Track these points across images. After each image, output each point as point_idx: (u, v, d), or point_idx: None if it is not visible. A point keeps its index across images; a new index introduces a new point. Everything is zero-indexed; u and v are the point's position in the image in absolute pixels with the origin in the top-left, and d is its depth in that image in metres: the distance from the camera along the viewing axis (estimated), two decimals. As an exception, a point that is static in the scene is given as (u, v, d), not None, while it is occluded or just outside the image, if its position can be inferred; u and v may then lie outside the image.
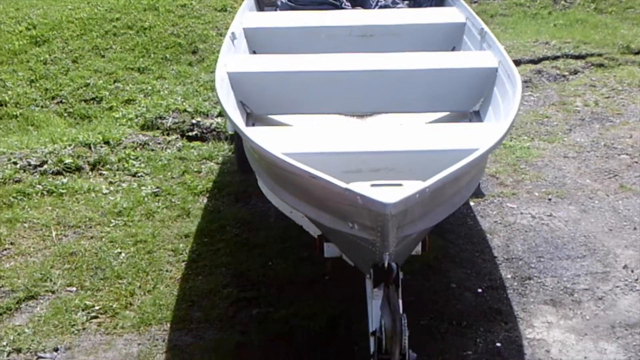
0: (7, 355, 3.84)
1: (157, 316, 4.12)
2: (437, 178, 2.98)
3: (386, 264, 2.97)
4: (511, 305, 4.16)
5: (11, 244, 4.90)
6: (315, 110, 4.96)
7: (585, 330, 3.95)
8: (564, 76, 7.86)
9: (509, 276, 4.43)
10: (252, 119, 4.86)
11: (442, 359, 3.74)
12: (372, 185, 2.93)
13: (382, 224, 2.86)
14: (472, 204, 5.29)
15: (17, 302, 4.28)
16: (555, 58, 8.25)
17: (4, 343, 3.93)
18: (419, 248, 3.91)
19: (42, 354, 3.85)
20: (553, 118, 6.85)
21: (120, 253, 4.75)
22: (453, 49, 5.74)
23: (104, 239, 4.91)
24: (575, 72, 7.93)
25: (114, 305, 4.22)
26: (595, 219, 5.04)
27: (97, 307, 4.22)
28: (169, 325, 4.06)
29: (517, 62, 8.09)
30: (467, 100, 4.93)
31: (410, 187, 2.89)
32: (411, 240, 3.19)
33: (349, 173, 3.60)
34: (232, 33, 5.28)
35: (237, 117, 3.92)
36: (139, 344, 3.92)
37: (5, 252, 4.82)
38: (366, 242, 3.03)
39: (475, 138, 3.77)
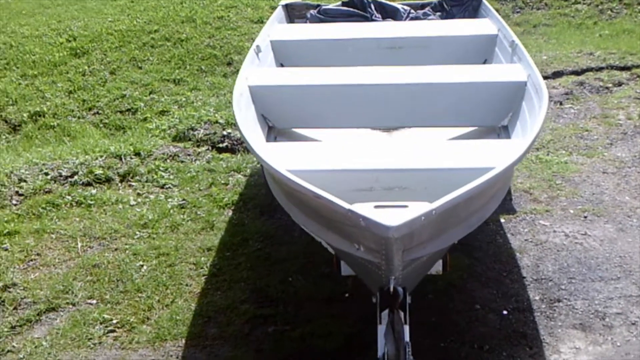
0: (23, 368, 3.84)
1: (173, 331, 4.06)
2: (446, 199, 2.85)
3: (391, 288, 2.84)
4: (537, 328, 3.97)
5: (37, 254, 4.93)
6: (340, 124, 4.85)
7: (615, 357, 3.74)
8: (607, 88, 7.57)
9: (537, 298, 4.24)
10: (275, 132, 4.79)
11: (460, 385, 3.58)
12: (376, 206, 2.82)
13: (385, 247, 2.74)
14: (502, 220, 5.11)
15: (38, 314, 4.28)
16: (599, 69, 7.96)
17: (21, 356, 3.92)
18: (439, 268, 3.77)
19: (56, 368, 3.83)
20: (593, 132, 6.59)
21: (143, 266, 4.72)
22: (485, 62, 5.57)
23: (127, 251, 4.89)
24: (620, 84, 7.63)
25: (132, 320, 4.18)
26: (633, 239, 4.80)
27: (114, 321, 4.18)
28: (184, 341, 4.00)
29: (559, 74, 7.88)
30: (496, 114, 4.76)
31: (416, 209, 2.76)
32: (422, 262, 3.06)
33: (360, 191, 3.49)
34: (257, 46, 5.22)
35: (249, 133, 3.84)
36: (152, 360, 3.87)
37: (31, 263, 4.84)
38: (372, 264, 2.92)
39: (495, 155, 3.61)
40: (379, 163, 3.56)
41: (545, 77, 7.42)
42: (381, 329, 2.96)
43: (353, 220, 2.78)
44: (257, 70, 5.02)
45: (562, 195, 5.42)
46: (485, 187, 3.10)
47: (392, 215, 2.71)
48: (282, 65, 5.66)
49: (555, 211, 5.20)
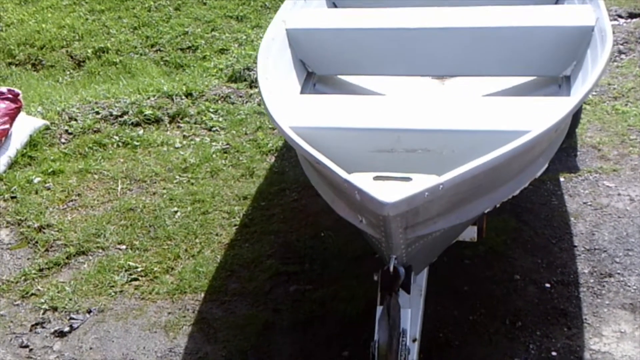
0: (43, 313, 3.76)
1: (194, 284, 3.87)
2: (458, 172, 2.44)
3: (391, 268, 2.49)
4: (581, 306, 3.53)
5: (78, 195, 4.83)
6: (385, 71, 4.42)
7: (665, 345, 3.27)
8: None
9: (586, 271, 3.77)
10: (314, 79, 4.41)
11: (483, 365, 3.22)
12: (376, 177, 2.45)
13: (384, 224, 2.38)
14: (561, 179, 4.59)
15: (67, 258, 4.19)
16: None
17: (43, 300, 3.84)
18: (473, 234, 3.39)
19: (75, 315, 3.72)
20: (682, 81, 5.83)
21: (177, 212, 4.54)
22: (556, 2, 4.94)
23: (164, 196, 4.72)
24: None
25: (156, 269, 4.02)
26: None
27: (139, 269, 4.04)
28: (203, 295, 3.80)
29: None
30: (558, 63, 4.20)
31: (420, 183, 2.38)
32: (434, 239, 2.68)
33: (381, 152, 3.11)
34: None
35: (266, 85, 3.48)
36: (169, 313, 3.70)
37: (70, 204, 4.75)
38: (375, 239, 2.57)
39: (538, 115, 3.13)
40: (402, 121, 3.15)
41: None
42: (380, 310, 2.62)
43: (349, 192, 2.43)
44: (301, 11, 4.61)
45: (635, 153, 4.81)
46: (510, 156, 2.66)
47: (391, 190, 2.35)
48: (334, 5, 5.23)
49: (623, 171, 4.62)
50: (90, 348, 3.49)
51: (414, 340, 2.96)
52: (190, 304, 3.75)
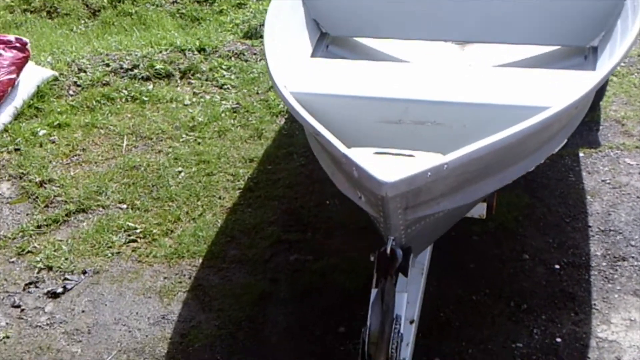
0: (38, 272, 3.67)
1: (193, 249, 3.76)
2: (464, 152, 2.27)
3: (388, 250, 2.34)
4: (590, 290, 3.36)
5: (83, 150, 4.72)
6: (402, 34, 4.19)
7: (677, 337, 3.10)
8: None
9: (598, 253, 3.59)
10: (327, 40, 4.20)
11: (482, 348, 3.08)
12: (377, 153, 2.28)
13: (381, 204, 2.22)
14: (581, 154, 4.37)
15: (67, 215, 4.09)
16: None
17: (39, 258, 3.76)
18: (483, 211, 3.23)
19: (69, 276, 3.64)
20: None
21: (181, 172, 4.41)
22: None
23: (169, 155, 4.59)
24: None
25: (155, 231, 3.91)
26: None
27: (138, 230, 3.93)
28: (200, 260, 3.69)
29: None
30: (585, 33, 3.94)
31: (423, 162, 2.21)
32: (437, 219, 2.51)
33: (388, 123, 2.93)
34: None
35: (272, 46, 3.28)
36: (165, 278, 3.60)
37: (74, 159, 4.64)
38: (374, 218, 2.41)
39: (558, 90, 2.92)
40: (411, 91, 2.95)
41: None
42: (374, 294, 2.47)
43: (347, 167, 2.27)
44: None
45: (661, 129, 4.58)
46: (524, 135, 2.47)
47: (391, 168, 2.18)
48: None
49: (647, 148, 4.40)
50: (83, 311, 3.41)
51: (412, 322, 2.83)
52: (187, 270, 3.64)
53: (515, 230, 3.76)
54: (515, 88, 2.99)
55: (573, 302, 3.29)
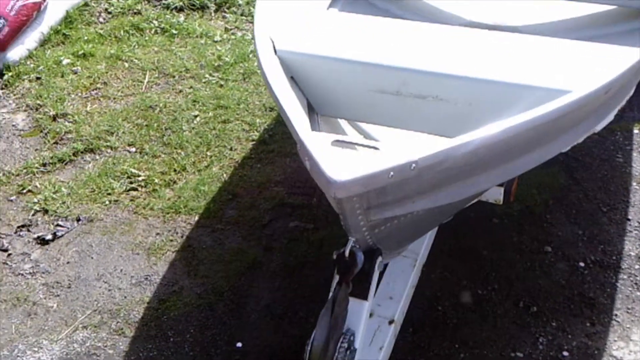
0: (33, 214, 3.52)
1: (191, 204, 3.52)
2: (437, 149, 1.88)
3: (347, 253, 2.01)
4: (614, 298, 2.94)
5: (104, 83, 4.49)
6: None
7: None
8: None
9: (633, 253, 3.14)
10: None
11: (476, 353, 2.73)
12: (336, 142, 1.92)
13: (336, 203, 1.88)
14: (635, 131, 3.84)
15: (74, 154, 3.90)
16: None
17: (36, 199, 3.60)
18: (499, 196, 2.83)
19: (62, 222, 3.47)
20: None
21: (197, 117, 4.14)
22: None
23: (189, 96, 4.31)
24: None
25: (157, 180, 3.68)
26: None
27: (141, 178, 3.71)
28: (196, 218, 3.45)
29: None
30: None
31: (387, 158, 1.84)
32: (419, 216, 2.14)
33: (384, 94, 2.53)
34: None
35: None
36: (157, 234, 3.38)
37: (93, 93, 4.43)
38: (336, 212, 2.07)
39: (589, 69, 2.44)
40: (411, 59, 2.52)
41: None
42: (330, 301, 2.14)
43: (301, 154, 1.93)
44: None
45: None
46: (530, 126, 2.05)
47: (347, 163, 1.83)
48: None
49: None
50: (68, 262, 3.24)
51: (391, 322, 2.51)
52: (181, 227, 3.41)
53: (542, 216, 3.34)
54: (538, 62, 2.51)
55: (592, 309, 2.89)
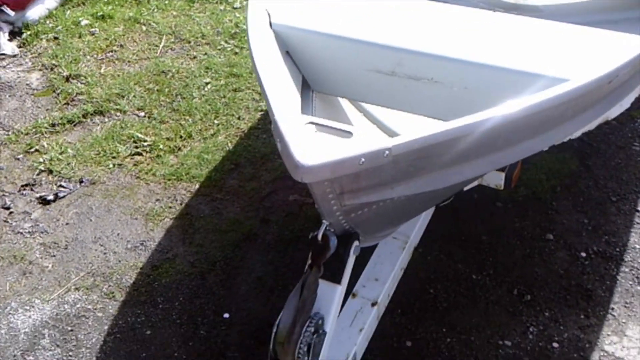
0: (37, 174, 3.53)
1: (193, 172, 3.49)
2: (414, 137, 1.80)
3: (319, 237, 1.95)
4: (612, 291, 2.84)
5: (120, 46, 4.47)
6: None
7: (701, 366, 2.58)
8: None
9: (638, 245, 3.03)
10: None
11: (463, 339, 2.67)
12: (310, 123, 1.86)
13: (308, 187, 1.83)
14: (655, 119, 3.69)
15: (83, 116, 3.90)
16: None
17: (42, 159, 3.61)
18: (500, 181, 2.75)
19: (65, 183, 3.47)
20: None
21: (208, 84, 4.10)
22: None
23: (202, 63, 4.27)
24: None
25: (162, 146, 3.66)
26: None
27: (146, 143, 3.69)
28: (197, 187, 3.42)
29: None
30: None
31: (359, 144, 1.77)
32: (401, 202, 2.07)
33: (379, 74, 2.44)
34: None
35: None
36: (157, 200, 3.36)
37: (109, 55, 4.41)
38: None
39: (592, 55, 2.32)
40: (407, 39, 2.42)
41: None
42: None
43: (274, 134, 1.88)
44: None
45: None
46: (522, 115, 1.96)
47: (316, 148, 1.76)
48: None
49: None
50: (67, 223, 3.25)
51: (373, 304, 2.46)
52: (180, 195, 3.39)
53: (548, 203, 3.24)
54: (540, 48, 2.38)
55: (588, 301, 2.80)
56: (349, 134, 1.82)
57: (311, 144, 1.76)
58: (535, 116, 2.04)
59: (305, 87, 2.66)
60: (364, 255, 2.59)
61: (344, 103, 3.00)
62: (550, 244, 3.04)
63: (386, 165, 1.80)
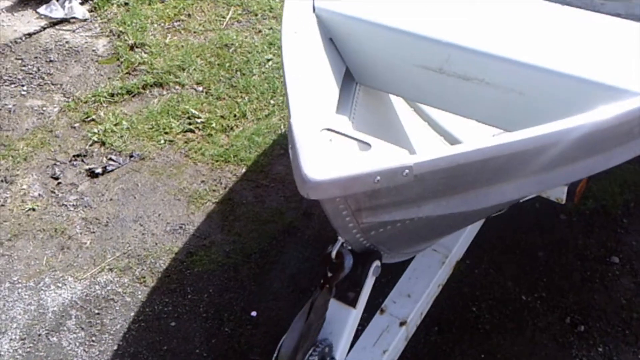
0: (90, 145, 3.46)
1: (242, 154, 3.33)
2: (440, 154, 1.54)
3: (333, 254, 1.73)
4: (680, 329, 2.49)
5: (188, 15, 4.33)
6: None
7: None
8: None
9: None
10: None
11: (503, 369, 2.41)
12: (325, 130, 1.63)
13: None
14: None
15: (143, 87, 3.80)
16: None
17: (96, 130, 3.53)
18: (562, 195, 2.45)
19: (115, 157, 3.38)
20: None
21: (269, 61, 3.90)
22: None
23: (267, 37, 4.07)
24: None
25: (215, 124, 3.51)
26: None
27: (200, 120, 3.55)
28: (243, 170, 3.26)
29: None
30: None
31: (377, 159, 1.53)
32: (430, 221, 1.81)
33: (426, 70, 2.16)
34: None
35: None
36: (202, 182, 3.22)
37: (176, 24, 4.28)
38: None
39: None
40: (458, 33, 2.11)
41: None
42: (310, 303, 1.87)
43: (289, 137, 1.66)
44: None
45: None
46: (577, 135, 1.65)
47: (329, 159, 1.53)
48: None
49: None
50: (111, 199, 3.16)
51: (402, 324, 2.23)
52: (226, 178, 3.23)
53: (618, 220, 2.88)
54: (612, 52, 2.03)
55: (650, 338, 2.47)
56: (367, 145, 1.58)
57: (323, 155, 1.53)
58: (599, 134, 1.74)
59: (349, 79, 2.42)
60: (402, 264, 2.36)
61: (397, 100, 2.73)
62: (614, 268, 2.70)
63: (408, 184, 1.56)
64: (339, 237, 1.71)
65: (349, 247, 1.74)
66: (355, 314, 1.85)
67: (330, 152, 1.57)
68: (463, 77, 2.09)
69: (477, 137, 2.58)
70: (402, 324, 2.22)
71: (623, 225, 2.86)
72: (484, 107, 2.14)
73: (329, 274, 1.76)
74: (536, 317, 2.55)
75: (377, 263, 1.82)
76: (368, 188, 1.52)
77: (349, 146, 1.59)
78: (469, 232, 2.53)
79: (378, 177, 1.50)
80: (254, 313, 2.63)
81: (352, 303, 1.84)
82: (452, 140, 2.77)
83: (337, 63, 2.28)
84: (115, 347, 2.53)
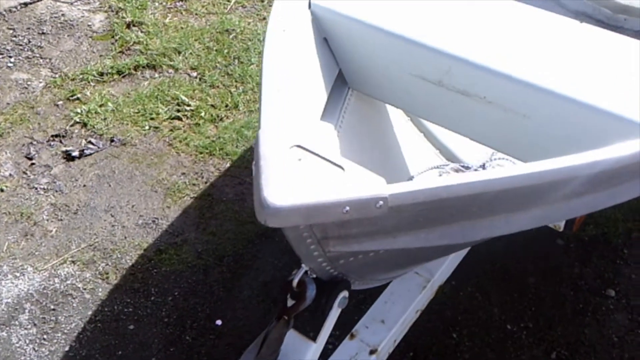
0: (71, 125, 3.28)
1: (228, 148, 3.13)
2: (418, 187, 1.33)
3: (295, 282, 1.53)
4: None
5: (191, -6, 4.13)
6: None
7: None
8: None
9: None
10: None
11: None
12: (297, 147, 1.42)
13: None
14: None
15: (134, 68, 3.60)
16: None
17: (80, 110, 3.34)
18: (560, 222, 2.24)
19: (94, 140, 3.20)
20: None
21: (269, 49, 3.67)
22: None
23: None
24: None
25: (204, 114, 3.31)
26: None
27: (189, 108, 3.35)
28: (227, 165, 3.06)
29: None
30: None
31: (347, 187, 1.33)
32: (407, 252, 1.60)
33: (424, 81, 1.94)
34: None
35: None
36: (182, 174, 3.03)
37: (178, 4, 4.07)
38: None
39: None
40: (460, 43, 1.89)
41: None
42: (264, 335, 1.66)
43: (254, 154, 1.45)
44: None
45: None
46: (576, 173, 1.44)
47: (294, 181, 1.33)
48: None
49: None
50: (84, 185, 2.98)
51: (372, 352, 2.03)
52: (208, 171, 3.03)
53: (618, 249, 2.65)
54: (630, 78, 1.80)
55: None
56: (339, 169, 1.37)
57: (288, 177, 1.32)
58: (607, 172, 1.52)
59: (341, 83, 2.20)
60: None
61: (392, 107, 2.50)
62: (609, 302, 2.48)
63: (382, 216, 1.35)
64: (303, 265, 1.50)
65: (314, 276, 1.53)
66: (314, 349, 1.65)
67: (297, 173, 1.35)
68: (463, 92, 1.86)
69: (474, 155, 2.37)
70: (372, 352, 2.02)
71: (623, 256, 2.63)
72: (483, 127, 1.92)
73: (289, 304, 1.55)
74: (520, 348, 2.34)
75: (344, 294, 1.61)
76: (335, 219, 1.31)
77: (319, 168, 1.38)
78: (455, 255, 2.32)
79: (347, 208, 1.29)
80: (219, 322, 2.44)
81: (313, 337, 1.63)
82: (449, 156, 2.55)
83: (329, 64, 2.07)
84: (67, 348, 2.35)
